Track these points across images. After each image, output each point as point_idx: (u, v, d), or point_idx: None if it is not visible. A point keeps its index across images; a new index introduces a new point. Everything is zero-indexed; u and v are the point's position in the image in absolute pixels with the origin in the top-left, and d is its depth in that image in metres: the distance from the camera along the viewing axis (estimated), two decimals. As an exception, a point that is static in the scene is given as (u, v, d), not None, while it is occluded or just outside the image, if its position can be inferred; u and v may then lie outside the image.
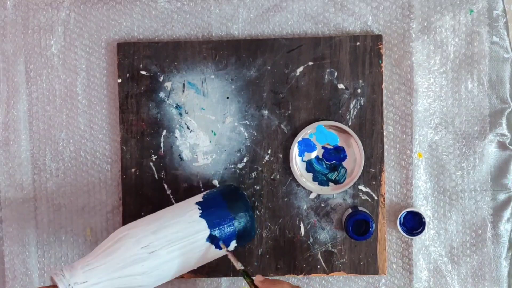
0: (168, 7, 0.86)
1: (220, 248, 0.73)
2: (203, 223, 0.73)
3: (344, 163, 0.84)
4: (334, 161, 0.84)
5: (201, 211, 0.73)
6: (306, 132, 0.84)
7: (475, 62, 0.85)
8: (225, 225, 0.74)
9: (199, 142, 0.85)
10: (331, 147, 0.84)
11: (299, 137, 0.83)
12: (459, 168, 0.86)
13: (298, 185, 0.84)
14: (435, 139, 0.86)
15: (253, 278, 0.70)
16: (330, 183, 0.84)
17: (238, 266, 0.71)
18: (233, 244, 0.76)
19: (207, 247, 0.73)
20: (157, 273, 0.69)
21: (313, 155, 0.84)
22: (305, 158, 0.84)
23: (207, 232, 0.73)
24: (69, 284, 0.62)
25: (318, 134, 0.84)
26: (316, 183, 0.84)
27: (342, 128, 0.83)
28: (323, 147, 0.84)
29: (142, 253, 0.67)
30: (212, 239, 0.73)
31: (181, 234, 0.71)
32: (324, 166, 0.84)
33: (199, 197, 0.77)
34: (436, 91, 0.85)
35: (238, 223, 0.75)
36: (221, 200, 0.76)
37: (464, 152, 0.86)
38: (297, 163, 0.84)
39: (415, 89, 0.85)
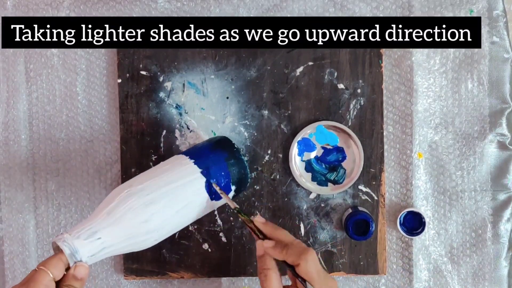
0: (168, 7, 0.86)
1: (218, 197, 0.72)
2: (198, 174, 0.71)
3: (344, 164, 0.84)
4: (333, 162, 0.84)
5: (194, 161, 0.72)
6: (306, 132, 0.84)
7: (475, 62, 0.85)
8: (221, 171, 0.73)
9: (199, 142, 0.85)
10: (331, 147, 0.84)
11: (298, 137, 0.83)
12: (459, 168, 0.86)
13: (298, 185, 0.84)
14: (435, 139, 0.86)
15: (252, 218, 0.69)
16: (329, 184, 0.84)
17: (234, 205, 0.70)
18: (233, 190, 0.75)
19: (206, 198, 0.71)
20: (157, 228, 0.67)
21: (312, 155, 0.84)
22: (305, 158, 0.84)
23: (203, 180, 0.71)
24: (81, 259, 0.61)
25: (318, 134, 0.84)
26: (315, 183, 0.84)
27: (342, 128, 0.83)
28: (322, 147, 0.84)
29: (146, 216, 0.66)
30: (209, 187, 0.71)
31: (180, 192, 0.69)
32: (323, 166, 0.84)
33: (189, 151, 0.75)
34: (436, 91, 0.85)
35: (232, 167, 0.74)
36: (210, 148, 0.75)
37: (464, 152, 0.86)
38: (297, 163, 0.84)
39: (415, 89, 0.85)
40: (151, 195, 0.67)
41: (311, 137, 0.84)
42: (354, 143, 0.83)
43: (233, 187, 0.74)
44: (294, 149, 0.84)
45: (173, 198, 0.68)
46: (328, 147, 0.84)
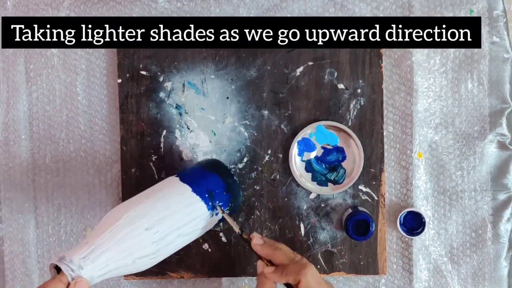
0: (168, 7, 0.86)
1: (217, 214, 0.73)
2: (197, 199, 0.72)
3: (344, 164, 0.84)
4: (333, 162, 0.84)
5: (191, 189, 0.72)
6: (306, 132, 0.84)
7: (475, 62, 0.85)
8: (219, 193, 0.74)
9: (199, 142, 0.85)
10: (331, 147, 0.84)
11: (298, 137, 0.83)
12: (459, 168, 0.86)
13: (298, 185, 0.84)
14: (435, 139, 0.86)
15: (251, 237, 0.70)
16: (329, 184, 0.84)
17: (237, 229, 0.71)
18: (226, 211, 0.76)
19: (208, 218, 0.72)
20: (161, 253, 0.68)
21: (312, 155, 0.84)
22: (305, 158, 0.84)
23: (204, 206, 0.72)
24: (79, 275, 0.60)
25: (318, 134, 0.84)
26: (315, 183, 0.84)
27: (342, 128, 0.83)
28: (322, 147, 0.84)
29: (152, 240, 0.66)
30: (212, 209, 0.72)
31: (184, 217, 0.70)
32: (323, 166, 0.84)
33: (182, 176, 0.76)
34: (436, 91, 0.85)
35: (228, 188, 0.75)
36: (203, 170, 0.75)
37: (464, 152, 0.86)
38: (297, 163, 0.84)
39: (415, 89, 0.85)
40: (164, 240, 0.67)
41: (311, 137, 0.84)
42: (354, 143, 0.83)
43: (227, 209, 0.75)
44: (294, 149, 0.84)
45: (175, 223, 0.69)
46: (328, 147, 0.84)
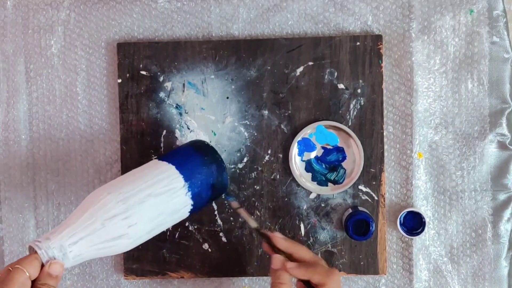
0: (168, 7, 0.86)
1: (190, 189, 0.71)
2: (165, 164, 0.71)
3: (344, 164, 0.84)
4: (333, 162, 0.84)
5: (178, 171, 0.71)
6: (306, 132, 0.84)
7: (475, 62, 0.85)
8: (204, 180, 0.72)
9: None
10: (331, 147, 0.84)
11: (298, 137, 0.83)
12: (459, 168, 0.86)
13: (298, 185, 0.84)
14: (435, 139, 0.86)
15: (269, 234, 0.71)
16: (329, 183, 0.84)
17: (253, 224, 0.72)
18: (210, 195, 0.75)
19: (189, 207, 0.71)
20: (136, 242, 0.67)
21: (312, 155, 0.84)
22: (305, 158, 0.84)
23: (188, 194, 0.71)
24: (54, 257, 0.61)
25: (318, 134, 0.84)
26: (315, 183, 0.84)
27: (342, 128, 0.83)
28: (322, 147, 0.84)
29: (127, 230, 0.65)
30: (195, 198, 0.71)
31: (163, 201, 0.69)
32: (324, 166, 0.84)
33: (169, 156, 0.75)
34: (436, 91, 0.85)
35: (212, 173, 0.73)
36: (192, 153, 0.74)
37: (464, 152, 0.86)
38: (297, 163, 0.84)
39: (415, 89, 0.85)
40: (132, 198, 0.66)
41: (311, 137, 0.84)
42: (354, 143, 0.83)
43: (210, 193, 0.74)
44: (294, 149, 0.84)
45: (156, 204, 0.68)
46: (328, 147, 0.84)
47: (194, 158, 0.73)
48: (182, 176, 0.71)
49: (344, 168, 0.84)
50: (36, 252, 0.60)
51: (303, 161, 0.84)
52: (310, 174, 0.85)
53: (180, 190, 0.70)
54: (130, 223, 0.65)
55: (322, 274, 0.66)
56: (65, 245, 0.61)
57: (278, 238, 0.70)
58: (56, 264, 0.60)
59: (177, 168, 0.71)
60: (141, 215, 0.66)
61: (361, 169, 0.83)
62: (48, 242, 0.61)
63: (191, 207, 0.72)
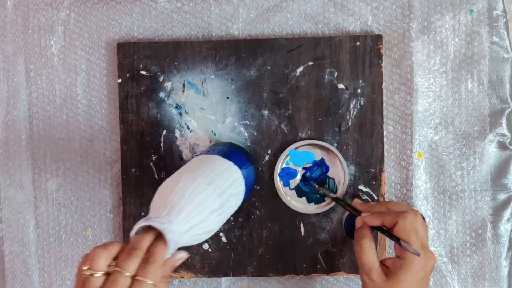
0: (168, 7, 0.86)
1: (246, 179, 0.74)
2: (232, 164, 0.73)
3: (330, 174, 0.83)
4: (320, 176, 0.83)
5: (233, 163, 0.74)
6: (282, 162, 0.83)
7: (475, 62, 0.85)
8: (249, 169, 0.77)
9: (199, 142, 0.85)
10: (310, 165, 0.84)
11: (277, 170, 0.83)
12: (459, 168, 0.86)
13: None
14: (435, 139, 0.86)
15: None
16: (325, 198, 0.84)
17: (332, 195, 0.80)
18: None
19: (243, 182, 0.74)
20: (225, 211, 0.68)
21: (298, 179, 0.84)
22: (292, 186, 0.84)
23: (238, 169, 0.73)
24: (179, 232, 0.58)
25: (293, 158, 0.83)
26: (313, 203, 0.84)
27: (311, 143, 0.82)
28: (303, 168, 0.84)
29: (218, 223, 0.65)
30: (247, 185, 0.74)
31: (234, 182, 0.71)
32: (311, 185, 0.83)
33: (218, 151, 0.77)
34: (436, 91, 0.85)
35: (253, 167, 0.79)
36: (228, 146, 0.79)
37: (464, 152, 0.86)
38: (288, 194, 0.83)
39: (415, 89, 0.85)
40: (224, 195, 0.67)
41: (288, 164, 0.84)
42: (328, 149, 0.82)
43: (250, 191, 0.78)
44: (279, 184, 0.83)
45: (234, 204, 0.70)
46: (308, 165, 0.84)
47: (245, 159, 0.77)
48: (244, 179, 0.73)
49: (332, 178, 0.83)
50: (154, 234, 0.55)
51: (292, 189, 0.84)
52: (304, 198, 0.84)
53: (242, 193, 0.73)
54: (222, 220, 0.67)
55: (392, 215, 0.67)
56: (182, 232, 0.58)
57: (357, 203, 0.76)
58: (183, 254, 0.55)
59: (241, 170, 0.73)
60: (227, 213, 0.68)
61: (347, 172, 0.82)
62: (170, 227, 0.56)
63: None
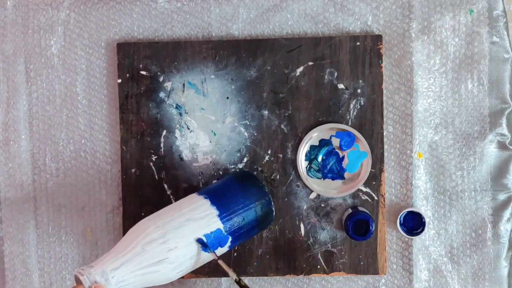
0: (168, 7, 0.86)
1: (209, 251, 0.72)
2: (218, 223, 0.73)
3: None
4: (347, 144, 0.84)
5: (218, 215, 0.73)
6: (305, 145, 0.83)
7: (475, 62, 0.85)
8: (239, 209, 0.75)
9: (199, 142, 0.85)
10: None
11: (300, 153, 0.83)
12: (459, 168, 0.86)
13: (298, 185, 0.84)
14: (435, 139, 0.86)
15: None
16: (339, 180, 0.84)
17: (233, 276, 0.71)
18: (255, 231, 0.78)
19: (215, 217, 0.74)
20: (179, 268, 0.70)
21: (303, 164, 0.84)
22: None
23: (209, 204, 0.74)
24: (96, 281, 0.63)
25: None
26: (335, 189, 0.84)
27: (344, 128, 0.83)
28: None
29: (177, 276, 0.69)
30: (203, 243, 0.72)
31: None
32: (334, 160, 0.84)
33: (211, 190, 0.77)
34: (436, 91, 0.85)
35: (256, 207, 0.76)
36: (235, 188, 0.77)
37: (464, 152, 0.86)
38: (308, 179, 0.84)
39: (415, 89, 0.85)
40: (169, 224, 0.69)
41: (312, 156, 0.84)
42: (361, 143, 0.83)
43: (259, 231, 0.78)
44: (302, 165, 0.83)
45: (194, 228, 0.70)
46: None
47: (232, 191, 0.76)
48: (215, 207, 0.73)
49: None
50: (81, 283, 0.62)
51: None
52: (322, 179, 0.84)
53: (217, 221, 0.73)
54: (169, 247, 0.67)
55: None
56: (107, 271, 0.63)
57: None
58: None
59: (212, 202, 0.74)
60: (179, 239, 0.69)
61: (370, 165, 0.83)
62: (91, 269, 0.63)
63: (230, 241, 0.74)
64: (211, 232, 0.71)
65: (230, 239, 0.73)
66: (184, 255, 0.69)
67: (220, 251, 0.74)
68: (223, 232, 0.73)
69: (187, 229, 0.70)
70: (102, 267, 0.63)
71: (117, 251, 0.66)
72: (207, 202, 0.74)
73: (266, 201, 0.77)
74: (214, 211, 0.73)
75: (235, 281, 0.71)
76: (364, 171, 0.83)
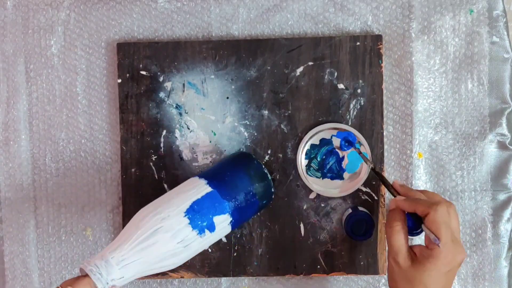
0: (168, 7, 0.86)
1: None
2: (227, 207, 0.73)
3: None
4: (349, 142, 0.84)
5: (220, 196, 0.73)
6: (305, 145, 0.83)
7: (475, 62, 0.85)
8: (247, 199, 0.76)
9: (199, 142, 0.85)
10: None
11: (300, 153, 0.83)
12: (459, 168, 0.86)
13: (298, 185, 0.84)
14: (435, 139, 0.86)
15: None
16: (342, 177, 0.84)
17: (370, 164, 0.79)
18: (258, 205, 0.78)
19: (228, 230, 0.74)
20: (187, 257, 0.69)
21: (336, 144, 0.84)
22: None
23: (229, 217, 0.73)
24: (107, 283, 0.62)
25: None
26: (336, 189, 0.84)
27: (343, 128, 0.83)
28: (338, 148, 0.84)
29: (178, 248, 0.67)
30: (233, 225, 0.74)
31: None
32: (355, 145, 0.83)
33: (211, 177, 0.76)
34: (436, 91, 0.85)
35: (249, 172, 0.77)
36: (227, 163, 0.78)
37: (464, 152, 0.86)
38: (308, 178, 0.84)
39: (415, 89, 0.85)
40: (161, 199, 0.70)
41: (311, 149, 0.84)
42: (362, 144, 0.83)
43: (260, 202, 0.78)
44: (301, 165, 0.83)
45: (184, 199, 0.71)
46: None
47: (222, 165, 0.77)
48: (203, 178, 0.74)
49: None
50: (87, 276, 0.61)
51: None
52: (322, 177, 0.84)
53: (207, 188, 0.73)
54: (162, 216, 0.67)
55: (424, 205, 0.67)
56: (105, 254, 0.63)
57: (397, 185, 0.75)
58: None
59: (200, 176, 0.74)
60: (171, 208, 0.68)
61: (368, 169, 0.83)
62: (91, 258, 0.63)
63: (229, 209, 0.73)
64: (202, 197, 0.71)
65: (227, 205, 0.72)
66: (179, 222, 0.68)
67: (222, 226, 0.72)
68: (219, 196, 0.72)
69: (178, 199, 0.70)
70: (101, 253, 0.64)
71: (115, 239, 0.66)
72: (195, 178, 0.74)
73: (259, 171, 0.78)
74: (203, 181, 0.73)
75: (371, 168, 0.78)
76: (364, 171, 0.83)
